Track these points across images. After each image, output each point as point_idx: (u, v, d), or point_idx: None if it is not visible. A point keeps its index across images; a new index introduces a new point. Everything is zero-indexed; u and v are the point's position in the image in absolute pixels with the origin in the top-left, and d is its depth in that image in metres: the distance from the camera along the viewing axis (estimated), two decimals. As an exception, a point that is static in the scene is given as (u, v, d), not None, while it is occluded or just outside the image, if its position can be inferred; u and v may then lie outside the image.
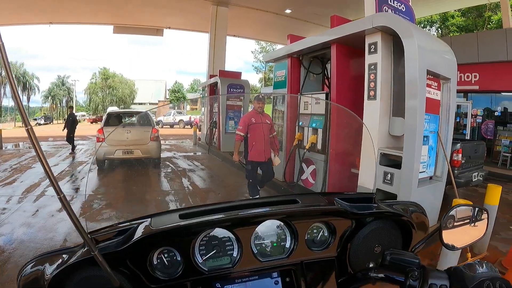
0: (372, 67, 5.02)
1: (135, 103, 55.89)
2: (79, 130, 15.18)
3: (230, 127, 13.01)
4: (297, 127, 7.06)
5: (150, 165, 9.88)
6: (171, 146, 16.45)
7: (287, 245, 1.13)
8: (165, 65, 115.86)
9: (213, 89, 14.58)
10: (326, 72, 7.20)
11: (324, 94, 6.30)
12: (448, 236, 1.12)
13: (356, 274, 1.12)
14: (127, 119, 11.79)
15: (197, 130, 17.73)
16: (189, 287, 1.02)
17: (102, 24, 20.31)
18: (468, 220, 1.15)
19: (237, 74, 13.80)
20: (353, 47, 5.89)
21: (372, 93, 5.08)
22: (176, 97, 60.33)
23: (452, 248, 1.13)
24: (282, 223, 1.12)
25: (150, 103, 59.01)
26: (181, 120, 33.23)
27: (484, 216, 1.17)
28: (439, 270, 0.92)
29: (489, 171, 7.97)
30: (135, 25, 19.39)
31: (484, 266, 0.86)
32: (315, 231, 1.18)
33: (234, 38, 21.39)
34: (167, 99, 61.32)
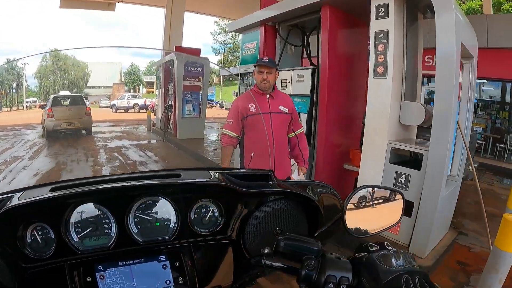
0: (381, 35, 3.80)
1: (88, 87, 53.32)
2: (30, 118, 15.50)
3: (187, 111, 11.55)
4: (272, 111, 5.58)
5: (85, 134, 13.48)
6: (122, 133, 14.79)
7: (171, 225, 1.01)
8: (121, 47, 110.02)
9: (168, 68, 12.76)
10: (308, 45, 5.83)
11: (311, 70, 4.86)
12: (354, 221, 1.01)
13: (250, 260, 0.97)
14: (67, 101, 14.06)
15: (152, 114, 15.97)
16: (66, 269, 0.91)
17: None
18: (381, 201, 1.09)
19: (196, 51, 12.07)
20: (349, 12, 4.68)
21: (380, 69, 3.84)
22: (132, 79, 58.02)
23: (356, 233, 1.01)
24: (164, 200, 1.00)
25: (104, 87, 56.07)
26: (136, 104, 31.10)
27: (399, 197, 1.11)
28: (342, 260, 0.82)
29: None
30: (84, -2, 16.95)
31: (401, 258, 0.76)
32: (203, 210, 1.05)
33: (193, 14, 19.40)
34: (122, 82, 58.31)
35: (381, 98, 3.87)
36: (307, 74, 4.93)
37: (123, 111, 30.83)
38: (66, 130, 12.85)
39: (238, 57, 52.61)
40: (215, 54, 51.84)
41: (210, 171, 1.13)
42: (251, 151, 3.03)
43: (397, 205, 1.10)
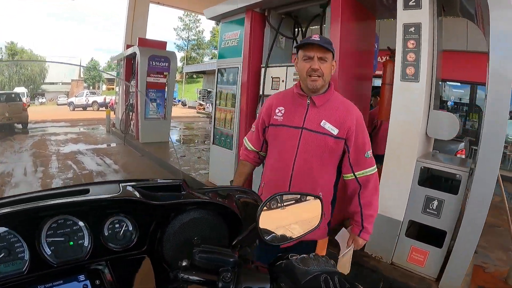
0: (412, 29, 3.13)
1: (46, 83, 51.27)
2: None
3: (151, 111, 10.25)
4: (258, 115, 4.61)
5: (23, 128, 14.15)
6: (78, 135, 13.26)
7: (85, 243, 0.97)
8: (82, 42, 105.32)
9: (130, 63, 11.43)
10: (303, 37, 4.92)
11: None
12: (274, 227, 1.00)
13: (169, 274, 0.95)
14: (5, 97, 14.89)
15: (112, 113, 14.46)
16: None
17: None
18: (295, 202, 1.09)
19: (161, 44, 10.77)
20: (359, 1, 3.95)
21: (411, 70, 3.15)
22: (92, 76, 55.82)
23: (275, 241, 0.99)
24: (74, 219, 0.96)
25: (62, 83, 54.06)
26: (94, 102, 29.01)
27: (317, 202, 1.11)
28: (259, 271, 0.84)
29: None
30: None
31: (321, 260, 0.80)
32: (117, 225, 1.02)
33: (158, 6, 18.02)
34: (81, 78, 56.48)
35: (411, 106, 3.17)
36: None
37: (81, 109, 28.96)
38: (6, 123, 13.82)
39: (201, 54, 52.81)
40: (178, 51, 50.99)
41: (120, 184, 1.10)
42: (264, 180, 2.06)
43: (316, 209, 1.10)
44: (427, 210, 3.15)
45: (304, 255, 0.80)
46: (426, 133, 3.26)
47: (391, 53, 4.02)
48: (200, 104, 27.36)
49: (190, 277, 0.84)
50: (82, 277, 0.92)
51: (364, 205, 1.89)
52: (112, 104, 18.92)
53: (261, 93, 4.61)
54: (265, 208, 0.99)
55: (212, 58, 48.02)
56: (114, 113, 14.58)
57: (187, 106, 32.91)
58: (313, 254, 0.82)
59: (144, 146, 9.48)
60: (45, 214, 0.92)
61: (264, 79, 4.53)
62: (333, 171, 1.92)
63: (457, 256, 2.96)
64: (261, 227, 0.96)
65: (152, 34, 11.96)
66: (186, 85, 44.70)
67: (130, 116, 11.04)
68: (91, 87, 52.81)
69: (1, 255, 0.86)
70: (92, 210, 0.98)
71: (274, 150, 1.98)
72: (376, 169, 1.90)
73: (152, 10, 13.90)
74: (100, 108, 27.81)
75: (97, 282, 0.93)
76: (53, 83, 53.04)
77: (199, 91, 30.91)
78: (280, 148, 1.93)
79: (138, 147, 9.64)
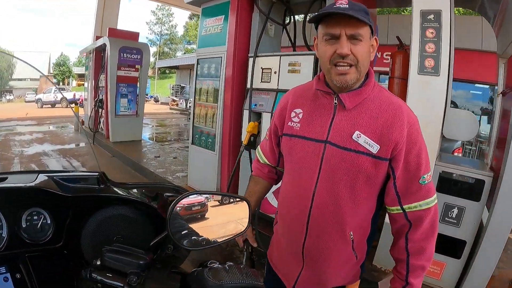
0: (431, 17, 2.79)
1: (13, 79, 48.75)
2: None
3: (122, 107, 9.45)
4: (245, 112, 4.09)
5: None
6: (45, 134, 12.14)
7: (3, 234, 0.96)
8: (54, 36, 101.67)
9: (100, 55, 10.52)
10: (295, 27, 4.49)
11: (313, 57, 3.38)
12: (201, 230, 0.94)
13: (81, 272, 0.88)
14: None
15: (81, 110, 13.55)
16: None
17: None
18: (218, 204, 1.04)
19: (133, 35, 9.92)
20: None
21: (430, 62, 2.83)
22: (61, 71, 54.18)
23: (192, 246, 0.90)
24: None
25: (31, 79, 51.11)
26: (63, 98, 27.41)
27: (243, 203, 1.08)
28: (171, 275, 0.85)
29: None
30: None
31: (236, 272, 0.76)
32: (35, 217, 1.00)
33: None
34: (50, 73, 54.43)
35: (430, 103, 2.86)
36: (306, 62, 3.46)
37: (49, 106, 27.54)
38: None
39: (174, 49, 52.36)
40: (151, 46, 49.86)
41: (39, 174, 1.08)
42: (278, 208, 1.51)
43: (244, 211, 1.06)
44: (446, 219, 2.87)
45: (219, 266, 0.77)
46: (441, 133, 2.90)
47: (399, 43, 3.56)
48: (173, 100, 26.75)
49: (99, 277, 0.80)
50: (2, 269, 0.90)
51: (413, 252, 1.29)
52: (82, 100, 17.95)
53: (248, 86, 4.02)
54: (190, 211, 0.95)
55: (185, 53, 47.65)
56: (84, 110, 13.59)
57: (159, 102, 32.07)
58: (229, 264, 0.79)
59: (114, 146, 8.70)
60: None
61: (253, 70, 3.95)
62: (371, 204, 1.32)
63: (478, 267, 2.73)
64: (177, 229, 0.89)
65: (123, 28, 11.11)
66: (158, 81, 43.86)
67: (100, 113, 10.17)
68: (60, 83, 51.05)
69: None
70: (9, 199, 0.97)
71: (290, 169, 1.41)
72: (436, 201, 1.29)
73: (124, 4, 13.02)
74: (70, 105, 25.90)
75: (18, 276, 0.91)
76: (21, 79, 50.96)
77: (172, 87, 30.09)
78: (296, 169, 1.35)
79: (109, 147, 8.85)
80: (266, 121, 3.78)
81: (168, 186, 1.22)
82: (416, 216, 1.25)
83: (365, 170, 1.20)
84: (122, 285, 0.77)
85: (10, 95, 41.46)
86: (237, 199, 1.06)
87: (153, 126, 14.69)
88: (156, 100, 32.67)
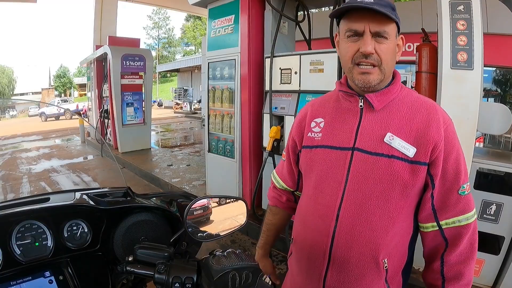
0: (461, 7, 2.63)
1: (15, 94, 51.02)
2: None
3: (128, 116, 9.24)
4: (266, 116, 3.85)
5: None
6: (51, 149, 11.97)
7: (48, 243, 1.11)
8: (48, 48, 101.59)
9: (101, 65, 10.35)
10: (309, 22, 4.24)
11: (336, 53, 3.12)
12: (205, 227, 1.15)
13: (117, 267, 1.08)
14: None
15: (85, 121, 13.28)
16: None
17: None
18: (225, 206, 1.21)
19: (134, 41, 9.74)
20: None
21: (463, 56, 2.69)
22: (62, 82, 54.45)
23: (204, 238, 1.10)
24: (38, 222, 1.10)
25: (33, 93, 54.26)
26: (67, 110, 27.40)
27: (241, 202, 1.22)
28: (190, 263, 0.96)
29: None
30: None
31: (233, 257, 0.91)
32: (74, 228, 1.16)
33: (127, 3, 16.86)
34: (52, 86, 55.75)
35: (465, 98, 2.69)
36: (329, 60, 3.24)
37: (53, 118, 27.67)
38: None
39: (172, 52, 52.28)
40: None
41: (76, 193, 1.26)
42: (293, 234, 1.29)
43: (241, 208, 1.20)
44: (484, 216, 2.80)
45: (219, 253, 0.93)
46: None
47: (425, 35, 3.33)
48: (177, 104, 26.56)
49: (133, 269, 0.98)
50: (47, 273, 1.05)
51: (449, 277, 1.10)
52: (85, 111, 17.79)
53: (267, 88, 3.79)
54: (200, 212, 1.17)
55: (184, 55, 47.55)
56: (88, 121, 13.41)
57: (163, 107, 32.01)
58: (228, 251, 0.93)
59: (124, 157, 8.50)
60: (13, 219, 1.06)
61: (271, 71, 3.71)
62: (408, 222, 1.12)
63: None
64: (191, 227, 1.09)
65: (120, 34, 10.86)
66: (159, 85, 43.84)
67: (106, 124, 9.98)
68: (62, 95, 51.22)
69: None
70: (52, 215, 1.12)
71: (309, 186, 1.22)
72: (475, 216, 1.12)
73: (119, 11, 12.71)
74: (74, 116, 26.14)
75: (61, 277, 1.06)
76: (23, 94, 52.71)
77: (175, 90, 29.95)
78: (317, 185, 1.17)
79: (118, 158, 8.64)
80: (289, 125, 3.53)
81: (179, 193, 1.37)
82: (454, 234, 1.09)
83: (401, 178, 1.04)
84: (152, 273, 0.93)
85: (13, 111, 41.75)
86: (234, 200, 1.23)
87: (160, 132, 14.47)
88: (160, 105, 32.53)
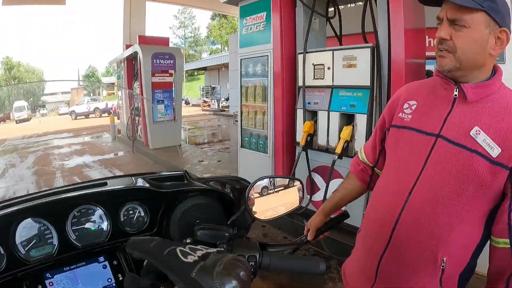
0: None
1: (45, 94, 52.08)
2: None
3: (159, 113, 9.51)
4: (299, 111, 3.89)
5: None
6: (83, 145, 12.35)
7: (105, 228, 1.13)
8: (77, 49, 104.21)
9: (131, 64, 10.63)
10: (340, 18, 4.23)
11: (369, 49, 3.19)
12: (261, 208, 1.16)
13: None
14: None
15: (115, 119, 13.65)
16: (18, 280, 0.98)
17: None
18: (283, 188, 1.26)
19: (164, 40, 10.01)
20: None
21: None
22: (90, 82, 56.00)
23: (262, 218, 1.17)
24: (95, 207, 1.13)
25: (62, 93, 54.07)
26: (96, 108, 28.31)
27: (297, 183, 1.28)
28: (251, 242, 0.98)
29: None
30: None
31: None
32: (131, 212, 1.20)
33: (154, 3, 17.17)
34: (80, 86, 56.22)
35: None
36: (363, 55, 3.24)
37: (83, 117, 28.16)
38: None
39: (199, 51, 52.82)
40: (176, 50, 50.53)
41: (132, 177, 1.29)
42: (365, 214, 1.32)
43: (297, 191, 1.26)
44: None
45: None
46: None
47: None
48: (205, 101, 26.77)
49: None
50: (101, 258, 1.06)
51: None
52: (115, 109, 18.22)
53: (300, 83, 3.83)
54: (257, 195, 1.16)
55: (210, 53, 47.72)
56: (118, 118, 13.80)
57: (190, 104, 32.29)
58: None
59: (155, 153, 8.72)
60: (70, 203, 1.09)
61: (304, 67, 3.75)
62: (477, 227, 1.06)
63: None
64: (251, 208, 1.12)
65: (148, 34, 11.10)
66: (187, 83, 44.33)
67: (137, 121, 10.27)
68: (91, 94, 52.56)
69: (34, 241, 1.02)
70: (110, 199, 1.15)
71: (388, 167, 1.26)
72: None
73: (146, 12, 12.96)
74: (103, 114, 27.09)
75: (115, 262, 1.07)
76: (53, 94, 53.42)
77: (202, 88, 30.21)
78: (396, 166, 1.19)
79: (149, 154, 8.88)
80: (322, 120, 3.58)
81: (233, 177, 1.42)
82: None
83: (478, 175, 0.99)
84: None
85: (44, 110, 43.07)
86: (291, 180, 1.28)
87: (189, 129, 14.71)
88: (187, 103, 32.81)
